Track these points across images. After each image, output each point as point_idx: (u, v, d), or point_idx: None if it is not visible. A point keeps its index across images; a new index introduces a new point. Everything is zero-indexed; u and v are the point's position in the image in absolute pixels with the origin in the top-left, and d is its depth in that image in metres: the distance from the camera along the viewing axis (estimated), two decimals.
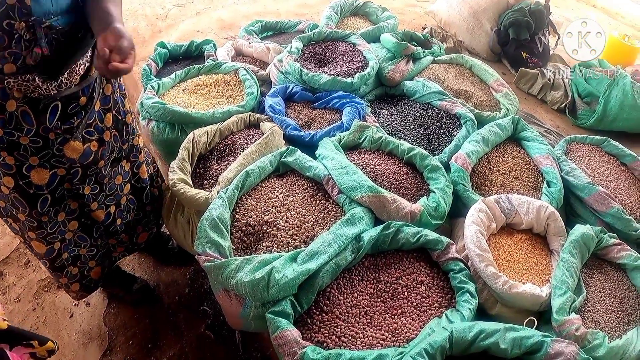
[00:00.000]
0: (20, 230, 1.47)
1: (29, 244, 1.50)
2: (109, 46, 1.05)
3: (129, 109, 1.57)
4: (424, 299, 1.36)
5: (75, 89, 1.26)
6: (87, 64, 1.29)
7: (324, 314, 1.29)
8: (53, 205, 1.41)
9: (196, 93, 2.13)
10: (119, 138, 1.53)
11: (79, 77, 1.26)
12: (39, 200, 1.36)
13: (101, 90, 1.39)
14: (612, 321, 1.40)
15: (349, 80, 2.14)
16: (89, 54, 1.27)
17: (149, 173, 1.77)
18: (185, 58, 2.58)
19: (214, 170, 1.74)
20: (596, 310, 1.41)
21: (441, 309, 1.34)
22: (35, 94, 1.17)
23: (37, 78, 1.14)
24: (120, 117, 1.51)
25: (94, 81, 1.33)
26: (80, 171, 1.40)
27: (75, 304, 1.97)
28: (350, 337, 1.24)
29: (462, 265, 1.41)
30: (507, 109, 2.24)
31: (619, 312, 1.44)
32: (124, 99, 1.54)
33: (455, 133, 2.02)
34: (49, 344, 1.25)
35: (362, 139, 1.83)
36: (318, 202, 1.58)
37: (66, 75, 1.21)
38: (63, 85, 1.22)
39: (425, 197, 1.62)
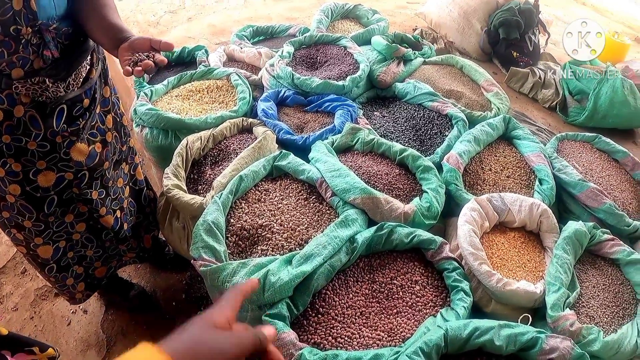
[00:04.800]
0: (24, 240, 1.46)
1: (35, 252, 1.49)
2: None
3: (123, 111, 1.60)
4: (418, 299, 1.36)
5: (79, 92, 1.28)
6: (88, 67, 1.31)
7: (319, 316, 1.29)
8: (60, 206, 1.42)
9: (189, 99, 2.13)
10: (119, 139, 1.56)
11: (81, 80, 1.29)
12: (45, 202, 1.37)
13: (101, 93, 1.41)
14: (606, 316, 1.41)
15: (340, 83, 2.14)
16: (89, 57, 1.30)
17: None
18: (177, 64, 2.59)
19: (208, 175, 1.74)
20: (590, 305, 1.42)
21: (436, 308, 1.35)
22: (43, 97, 1.18)
23: (47, 80, 1.16)
24: (118, 119, 1.54)
25: (94, 84, 1.35)
26: (87, 174, 1.41)
27: (72, 312, 1.97)
28: (346, 338, 1.24)
29: (456, 264, 1.42)
30: (498, 108, 2.25)
31: (614, 307, 1.44)
32: (119, 102, 1.57)
33: (446, 133, 2.03)
34: (49, 351, 1.26)
35: (355, 141, 1.84)
36: (312, 204, 1.59)
37: (73, 76, 1.24)
38: (70, 86, 1.24)
39: (418, 198, 1.63)
